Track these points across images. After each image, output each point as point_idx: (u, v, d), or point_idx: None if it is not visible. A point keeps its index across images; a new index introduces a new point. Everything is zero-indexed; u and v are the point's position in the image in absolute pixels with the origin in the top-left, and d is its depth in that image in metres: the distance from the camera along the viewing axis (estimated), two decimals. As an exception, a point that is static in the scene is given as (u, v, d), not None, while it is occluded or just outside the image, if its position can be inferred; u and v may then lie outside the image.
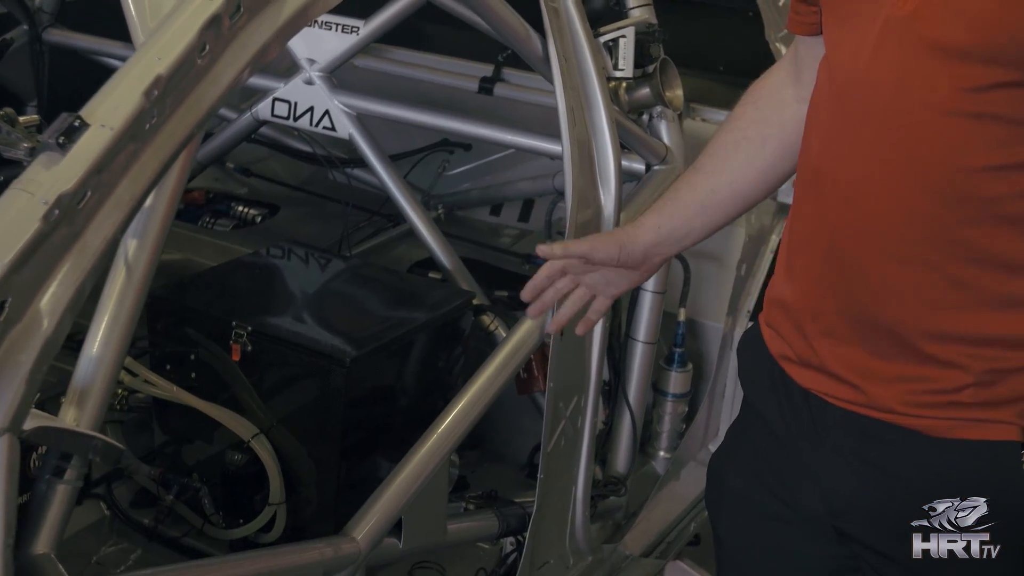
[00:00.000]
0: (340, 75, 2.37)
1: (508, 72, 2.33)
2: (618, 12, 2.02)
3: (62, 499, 1.17)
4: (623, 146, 1.96)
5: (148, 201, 1.19)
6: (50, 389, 1.25)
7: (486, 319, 2.15)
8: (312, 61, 2.32)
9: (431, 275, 2.38)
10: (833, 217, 1.23)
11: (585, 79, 1.79)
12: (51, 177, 1.01)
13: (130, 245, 1.21)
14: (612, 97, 1.91)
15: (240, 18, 1.19)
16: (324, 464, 1.84)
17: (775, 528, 1.41)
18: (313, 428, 1.84)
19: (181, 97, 1.13)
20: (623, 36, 1.94)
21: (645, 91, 1.98)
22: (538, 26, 1.77)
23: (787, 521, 1.38)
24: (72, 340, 1.20)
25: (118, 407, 1.85)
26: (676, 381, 2.42)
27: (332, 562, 1.52)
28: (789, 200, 2.40)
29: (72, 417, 1.14)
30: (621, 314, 2.24)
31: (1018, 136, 1.12)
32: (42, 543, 1.18)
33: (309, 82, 2.33)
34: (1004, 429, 1.21)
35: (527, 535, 1.83)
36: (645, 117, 2.12)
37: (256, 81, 2.39)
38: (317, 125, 2.35)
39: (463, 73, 2.40)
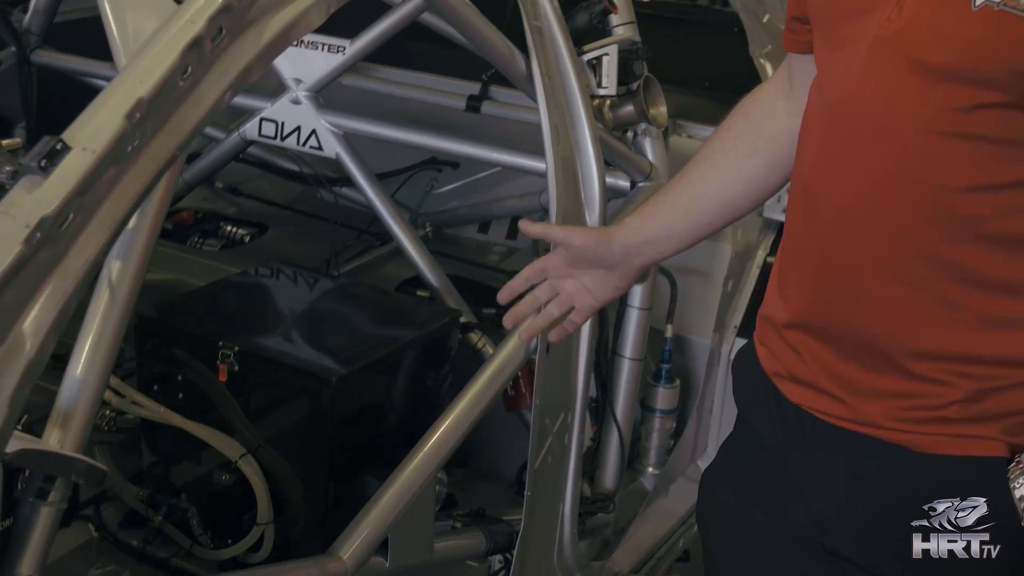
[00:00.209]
0: (328, 94, 2.38)
1: (495, 90, 2.34)
2: (601, 30, 2.03)
3: (46, 522, 1.17)
4: (608, 163, 1.97)
5: (131, 222, 1.19)
6: (39, 410, 1.25)
7: (473, 337, 2.15)
8: (299, 81, 2.32)
9: (419, 293, 2.39)
10: (823, 235, 1.24)
11: (569, 97, 1.80)
12: (33, 200, 1.01)
13: (114, 266, 1.21)
14: (596, 115, 1.92)
15: (222, 40, 1.20)
16: (312, 483, 1.83)
17: (766, 545, 1.41)
18: (300, 447, 1.84)
19: (163, 119, 1.14)
20: (606, 54, 1.95)
21: (629, 108, 2.00)
22: (522, 45, 1.78)
23: (778, 538, 1.39)
24: (60, 360, 1.21)
25: (106, 428, 1.85)
26: (664, 397, 2.42)
27: (318, 581, 1.53)
28: (775, 216, 2.45)
29: (56, 439, 1.14)
30: (608, 331, 2.24)
31: (1001, 155, 1.13)
32: (26, 565, 1.18)
33: (296, 102, 2.34)
34: (990, 445, 1.22)
35: (515, 553, 1.83)
36: (630, 134, 2.13)
37: (244, 101, 2.39)
38: (304, 144, 2.36)
39: (450, 91, 2.41)
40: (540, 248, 2.33)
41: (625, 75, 1.98)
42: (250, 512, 1.81)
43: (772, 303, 1.39)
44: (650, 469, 2.49)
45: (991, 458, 1.22)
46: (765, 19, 2.67)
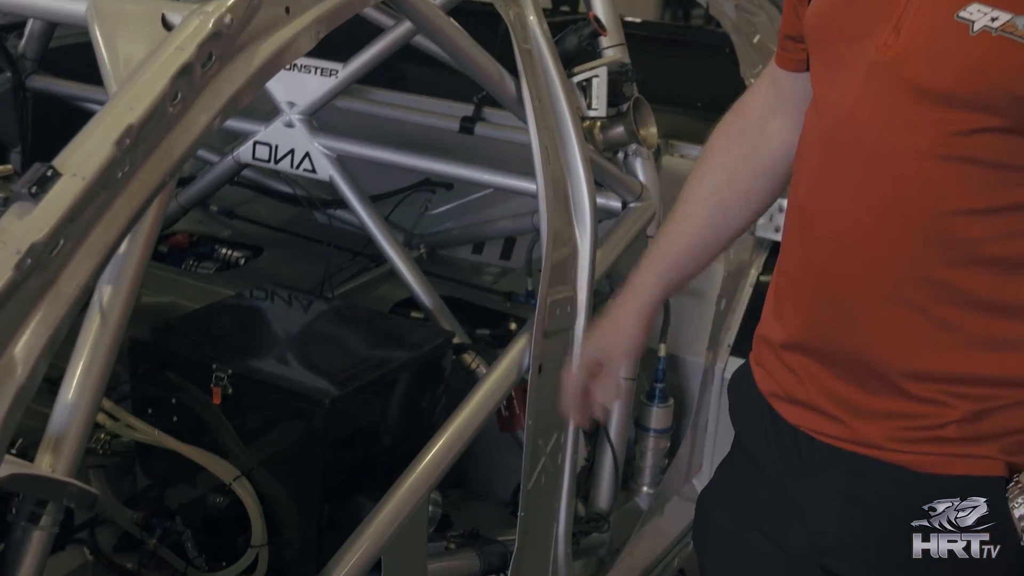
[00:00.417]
0: (322, 116, 2.40)
1: (488, 111, 2.36)
2: (591, 52, 2.05)
3: (38, 546, 1.17)
4: (599, 184, 1.98)
5: (122, 247, 1.20)
6: (34, 434, 1.26)
7: (467, 357, 2.16)
8: (292, 104, 2.34)
9: (413, 315, 2.39)
10: (821, 257, 1.25)
11: (559, 119, 1.81)
12: (23, 227, 1.02)
13: (105, 291, 1.22)
14: (586, 136, 1.94)
15: (212, 66, 1.21)
16: (306, 505, 1.84)
17: (764, 567, 1.41)
18: (294, 469, 1.84)
19: (153, 145, 1.15)
20: (596, 76, 1.97)
21: (619, 130, 2.01)
22: (513, 68, 1.80)
23: (776, 560, 1.39)
24: (55, 384, 1.22)
25: (101, 451, 1.85)
26: (658, 416, 2.42)
27: (312, 604, 1.53)
28: (767, 235, 2.46)
29: (48, 463, 1.15)
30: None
31: (1000, 180, 1.14)
32: (18, 590, 1.18)
33: (289, 125, 2.35)
34: (989, 464, 1.22)
35: (509, 573, 1.83)
36: (620, 155, 2.14)
37: (238, 124, 2.41)
38: (298, 167, 2.37)
39: (444, 113, 2.42)
40: (533, 269, 2.34)
41: (615, 97, 2.00)
42: (244, 534, 1.81)
43: (769, 324, 1.39)
44: (645, 488, 2.49)
45: (990, 477, 1.22)
46: (756, 40, 2.69)
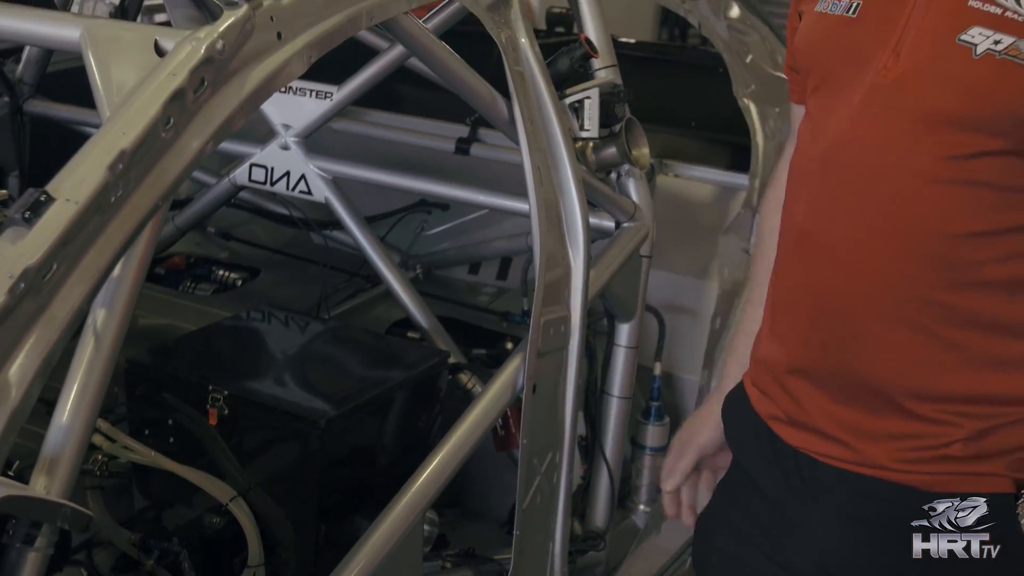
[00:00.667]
0: (318, 137, 2.41)
1: (484, 132, 2.37)
2: (583, 74, 2.06)
3: (32, 568, 1.17)
4: (592, 204, 1.99)
5: (116, 271, 1.21)
6: (31, 457, 1.27)
7: (463, 377, 2.16)
8: (287, 127, 2.36)
9: (409, 335, 2.40)
10: (821, 279, 1.25)
11: (551, 140, 1.82)
12: (16, 251, 1.03)
13: (99, 314, 1.23)
14: (579, 157, 1.95)
15: (204, 92, 1.22)
16: (302, 525, 1.84)
17: (766, 587, 1.41)
18: (290, 489, 1.85)
19: (146, 170, 1.16)
20: (588, 97, 1.98)
21: (611, 150, 2.02)
22: (503, 89, 1.81)
23: (778, 580, 1.39)
24: (51, 404, 1.23)
25: (98, 473, 1.86)
26: (654, 434, 2.43)
27: (306, 624, 1.53)
28: (761, 254, 2.46)
29: (42, 485, 1.15)
30: (596, 369, 2.26)
31: (1002, 202, 1.15)
32: (12, 612, 1.19)
33: (285, 147, 2.37)
34: (996, 482, 1.23)
35: (504, 592, 1.84)
36: (613, 176, 2.15)
37: (233, 147, 2.43)
38: (294, 189, 2.39)
39: (439, 134, 2.44)
40: (529, 289, 2.35)
41: (607, 118, 2.01)
42: (241, 555, 1.82)
43: (765, 346, 1.39)
44: (641, 507, 2.49)
45: (998, 495, 1.23)
46: (748, 59, 2.70)
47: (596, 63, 2.11)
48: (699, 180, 2.77)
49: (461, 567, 1.98)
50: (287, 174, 2.38)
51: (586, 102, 1.98)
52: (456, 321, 2.50)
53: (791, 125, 1.47)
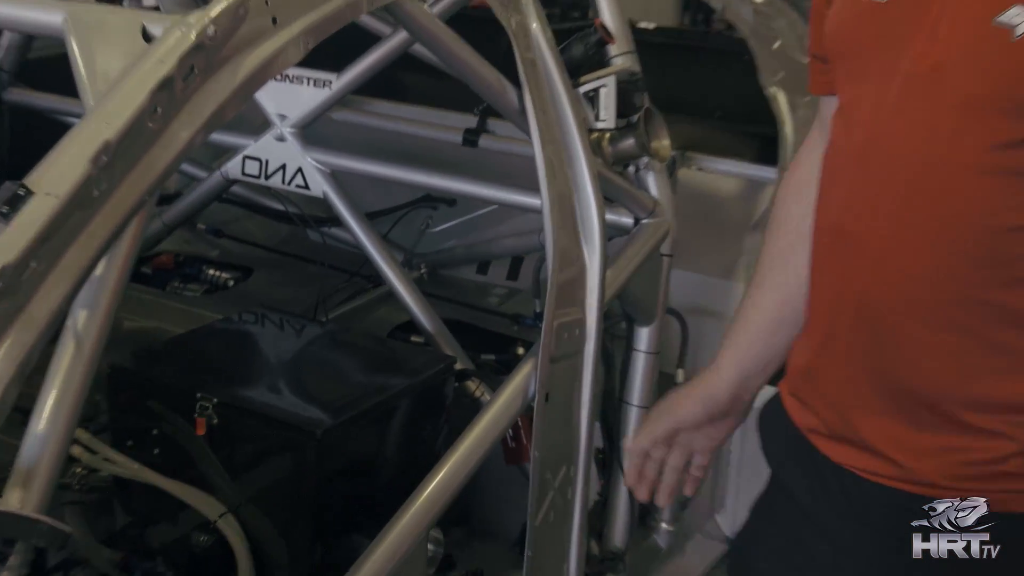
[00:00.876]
0: (317, 128, 2.41)
1: (493, 123, 2.37)
2: (598, 61, 2.06)
3: (6, 588, 1.18)
4: (609, 199, 1.99)
5: (98, 270, 1.22)
6: (3, 469, 1.27)
7: (471, 384, 2.17)
8: (283, 117, 2.36)
9: (412, 339, 2.41)
10: (860, 281, 1.25)
11: (565, 131, 1.82)
12: (-8, 249, 1.04)
13: (80, 316, 1.23)
14: (594, 149, 1.95)
15: (194, 80, 1.22)
16: (296, 544, 1.84)
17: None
18: (284, 505, 1.85)
19: (132, 162, 1.16)
20: (604, 86, 1.98)
21: (629, 142, 2.02)
22: (514, 77, 1.81)
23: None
24: (27, 414, 1.23)
25: (77, 487, 1.86)
26: (675, 447, 2.42)
27: (302, 649, 1.53)
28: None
29: (17, 499, 1.15)
30: (614, 377, 2.25)
31: None
32: (-16, 635, 1.19)
33: (280, 139, 2.37)
34: None
35: (514, 617, 1.84)
36: (632, 169, 2.15)
37: (226, 138, 2.43)
38: (290, 183, 2.39)
39: (446, 125, 2.44)
40: (541, 290, 2.35)
41: (624, 107, 2.01)
42: None
43: (802, 353, 1.39)
44: (664, 525, 2.49)
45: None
46: (776, 45, 2.70)
47: (612, 49, 2.11)
48: (724, 174, 2.76)
49: (467, 590, 1.99)
50: (283, 167, 2.38)
51: (602, 91, 1.98)
52: (463, 324, 2.50)
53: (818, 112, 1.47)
